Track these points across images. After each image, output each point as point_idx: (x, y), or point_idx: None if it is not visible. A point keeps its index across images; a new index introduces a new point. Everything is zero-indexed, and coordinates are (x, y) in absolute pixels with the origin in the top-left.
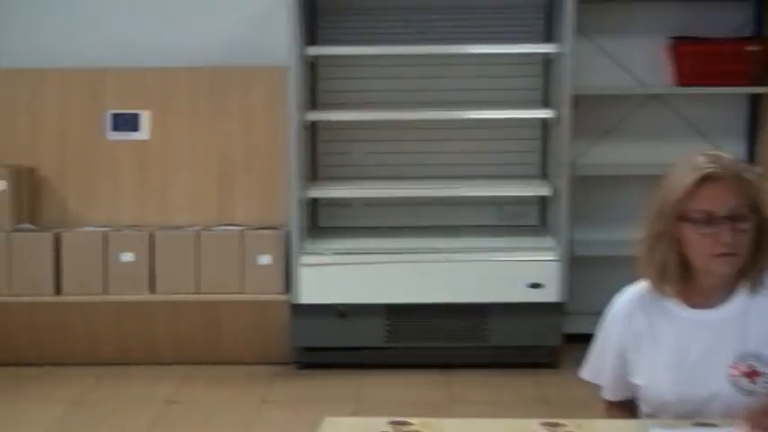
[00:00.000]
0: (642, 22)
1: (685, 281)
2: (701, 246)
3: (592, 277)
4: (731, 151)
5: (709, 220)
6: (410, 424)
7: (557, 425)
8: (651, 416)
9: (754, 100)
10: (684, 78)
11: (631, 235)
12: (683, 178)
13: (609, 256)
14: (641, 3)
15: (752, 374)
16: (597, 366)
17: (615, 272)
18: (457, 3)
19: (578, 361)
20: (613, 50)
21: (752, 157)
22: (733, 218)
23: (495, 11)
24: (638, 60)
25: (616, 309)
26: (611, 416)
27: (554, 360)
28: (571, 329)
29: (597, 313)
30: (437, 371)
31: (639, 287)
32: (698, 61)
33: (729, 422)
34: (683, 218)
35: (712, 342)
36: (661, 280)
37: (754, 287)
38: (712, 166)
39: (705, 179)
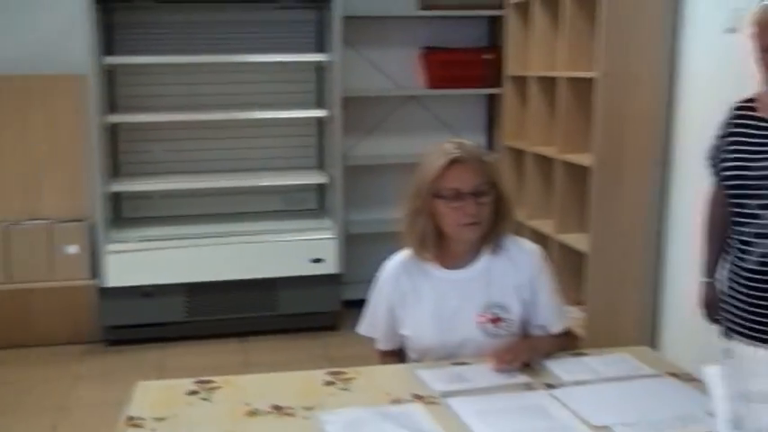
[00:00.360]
0: (398, 36)
1: (440, 247)
2: (451, 217)
3: (364, 251)
4: (473, 141)
5: (457, 195)
6: (213, 382)
7: (339, 373)
8: (417, 360)
9: (490, 99)
10: (434, 82)
11: (395, 214)
12: (434, 162)
13: (378, 233)
14: (397, 19)
15: (496, 321)
16: (371, 322)
17: (384, 245)
18: (241, 18)
19: (355, 323)
20: (375, 59)
21: (490, 145)
22: (476, 193)
23: (275, 25)
24: (395, 67)
25: (385, 273)
26: (385, 363)
27: (334, 323)
28: (348, 296)
29: (370, 281)
30: (234, 339)
31: (403, 255)
32: (444, 67)
33: (480, 360)
34: (436, 195)
35: (463, 296)
36: (420, 247)
37: (495, 249)
38: (458, 151)
39: (453, 162)
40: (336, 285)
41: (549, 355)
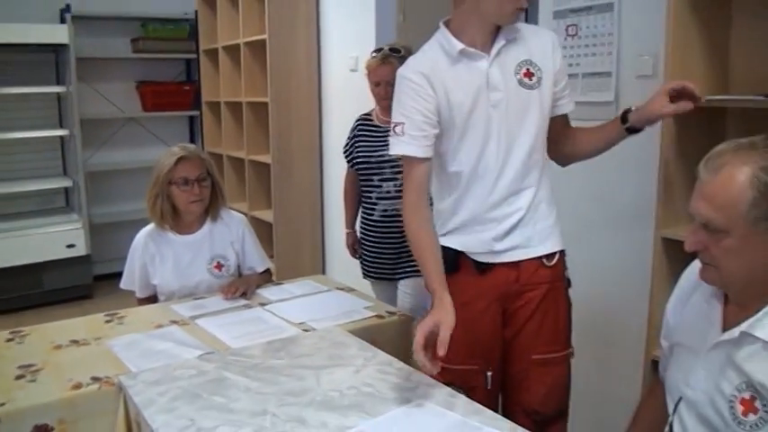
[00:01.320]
0: (120, 72)
1: (175, 220)
2: (182, 197)
3: (108, 236)
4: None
5: (186, 182)
6: (23, 331)
7: (114, 313)
8: (166, 300)
9: (191, 119)
10: (148, 107)
11: (129, 206)
12: (168, 159)
13: (117, 222)
14: (117, 60)
15: (219, 267)
16: (130, 278)
17: (123, 231)
18: None
19: (106, 292)
20: (103, 90)
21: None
22: (198, 180)
23: (24, 64)
24: (119, 96)
25: (136, 241)
26: (141, 304)
27: (89, 293)
28: (98, 272)
29: (114, 259)
30: (12, 314)
31: (150, 227)
32: (156, 96)
33: (213, 294)
34: (170, 182)
35: (194, 252)
36: (161, 220)
37: (214, 218)
38: (184, 151)
39: (181, 158)
40: (88, 264)
41: (259, 285)
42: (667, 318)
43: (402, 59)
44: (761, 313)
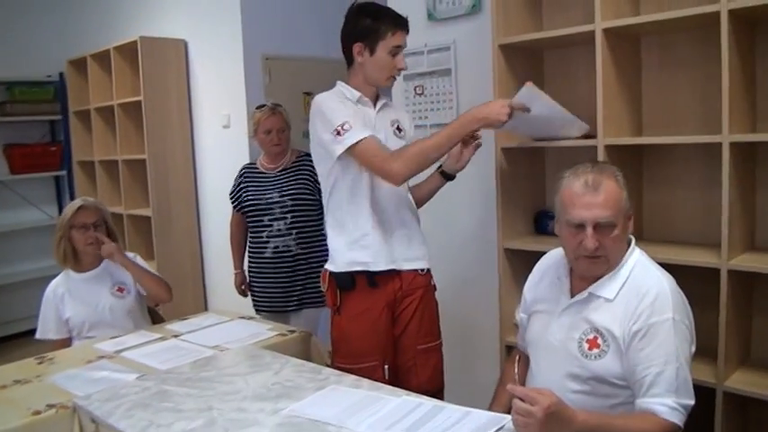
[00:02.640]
0: None
1: (75, 259)
2: (81, 241)
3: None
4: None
5: (85, 226)
6: None
7: (43, 357)
8: (78, 333)
9: (57, 179)
10: (17, 169)
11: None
12: (70, 208)
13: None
14: None
15: (121, 290)
16: (44, 326)
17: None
18: None
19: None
20: None
21: (60, 212)
22: (95, 225)
23: None
24: None
25: (47, 291)
26: (59, 348)
27: None
28: None
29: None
30: None
31: (56, 279)
32: (23, 157)
33: (126, 333)
34: (72, 227)
35: (97, 283)
36: (64, 261)
37: (109, 256)
38: (84, 201)
39: (80, 207)
40: None
41: (126, 266)
42: (525, 295)
43: (284, 111)
44: (602, 279)
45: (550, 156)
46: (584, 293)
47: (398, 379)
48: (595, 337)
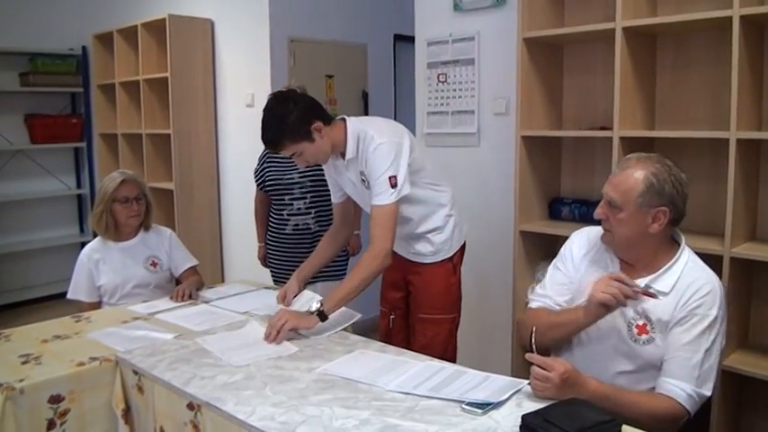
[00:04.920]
0: (7, 105)
1: (116, 231)
2: (123, 213)
3: (11, 267)
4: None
5: (127, 200)
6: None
7: (80, 315)
8: (109, 299)
9: (76, 150)
10: (38, 139)
11: (24, 237)
12: (112, 182)
13: (13, 252)
14: (4, 93)
15: (155, 264)
16: (76, 288)
17: (19, 260)
18: None
19: (10, 319)
20: None
21: (78, 183)
22: (137, 198)
23: None
24: (8, 129)
25: (81, 255)
26: (85, 310)
27: None
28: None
29: (16, 289)
30: None
31: (91, 244)
32: (44, 128)
33: (156, 298)
34: (114, 200)
35: (133, 255)
36: (105, 232)
37: (146, 229)
38: (125, 175)
39: (123, 181)
40: None
41: (199, 288)
42: (572, 250)
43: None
44: (659, 272)
45: (567, 145)
46: (641, 284)
47: (406, 337)
48: (645, 324)
